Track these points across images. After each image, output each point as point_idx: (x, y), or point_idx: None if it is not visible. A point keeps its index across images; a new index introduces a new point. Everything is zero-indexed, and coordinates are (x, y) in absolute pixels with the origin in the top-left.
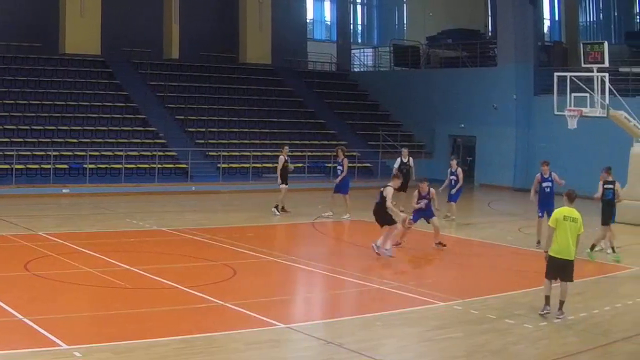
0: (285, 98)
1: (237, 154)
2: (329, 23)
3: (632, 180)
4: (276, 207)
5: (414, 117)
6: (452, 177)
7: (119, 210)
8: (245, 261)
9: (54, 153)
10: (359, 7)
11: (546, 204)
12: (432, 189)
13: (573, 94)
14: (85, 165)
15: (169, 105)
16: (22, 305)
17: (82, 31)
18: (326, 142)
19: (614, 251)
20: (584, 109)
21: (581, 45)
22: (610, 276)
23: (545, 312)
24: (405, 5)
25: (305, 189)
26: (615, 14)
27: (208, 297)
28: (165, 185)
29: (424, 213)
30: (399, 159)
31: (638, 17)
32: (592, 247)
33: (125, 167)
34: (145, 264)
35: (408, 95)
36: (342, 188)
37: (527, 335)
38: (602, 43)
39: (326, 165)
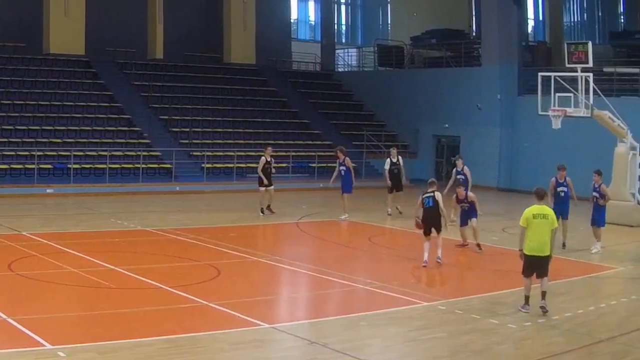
0: (270, 98)
1: (221, 154)
2: (313, 23)
3: (616, 180)
4: (268, 207)
5: (398, 117)
6: (459, 176)
7: (103, 210)
8: (230, 261)
9: (38, 153)
10: (343, 7)
11: (561, 209)
12: (470, 193)
13: (557, 94)
14: (69, 165)
15: (153, 105)
16: (5, 305)
17: (66, 31)
18: (310, 142)
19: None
20: (568, 109)
21: (565, 45)
22: (595, 276)
23: (525, 310)
24: (389, 5)
25: (289, 189)
26: (599, 14)
27: (192, 297)
28: (149, 185)
29: (467, 215)
30: (388, 160)
31: (622, 17)
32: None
33: (109, 167)
34: (130, 264)
35: (392, 95)
36: (345, 187)
37: (511, 335)
38: (586, 43)
39: (310, 165)
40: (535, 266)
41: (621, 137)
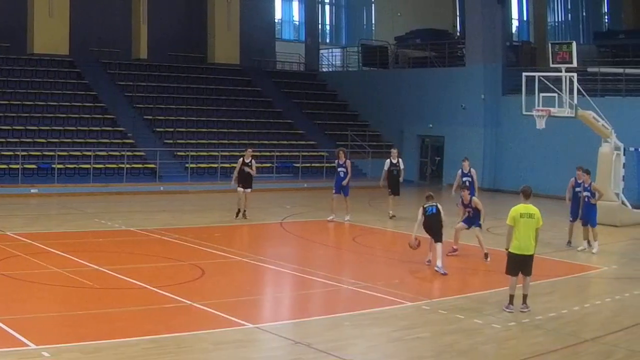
0: (254, 98)
1: (205, 154)
2: (297, 23)
3: (600, 180)
4: (243, 213)
5: (383, 117)
6: (465, 179)
7: (87, 210)
8: (214, 261)
9: (22, 153)
10: (327, 7)
11: (578, 209)
12: (475, 198)
13: (541, 94)
14: (53, 165)
15: (138, 105)
16: None
17: (50, 31)
18: (294, 142)
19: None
20: (552, 109)
21: (549, 45)
22: (579, 276)
23: (509, 310)
24: (373, 5)
25: (273, 189)
26: (584, 14)
27: (176, 297)
28: (133, 185)
29: (470, 221)
30: (388, 161)
31: (606, 17)
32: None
33: (93, 167)
34: (114, 264)
35: (376, 95)
36: (345, 190)
37: (495, 336)
38: (571, 43)
39: (294, 165)
40: (520, 265)
41: (605, 137)
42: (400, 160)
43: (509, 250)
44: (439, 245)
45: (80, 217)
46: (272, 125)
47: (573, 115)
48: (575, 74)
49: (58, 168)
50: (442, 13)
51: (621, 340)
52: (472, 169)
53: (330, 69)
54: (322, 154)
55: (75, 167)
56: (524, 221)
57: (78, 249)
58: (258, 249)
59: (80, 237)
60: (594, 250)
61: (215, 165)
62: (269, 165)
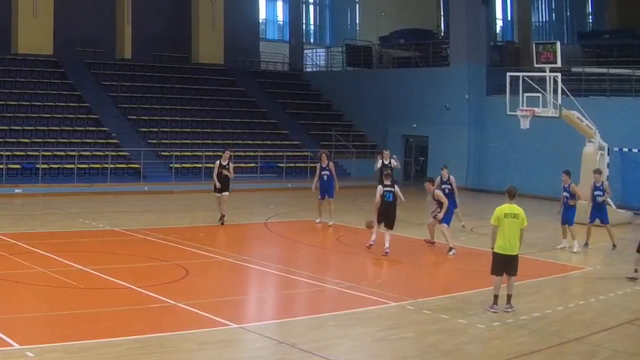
0: (238, 98)
1: (189, 154)
2: (281, 23)
3: (584, 180)
4: (221, 217)
5: (367, 117)
6: (444, 186)
7: (71, 210)
8: (198, 261)
9: (6, 153)
10: (311, 7)
11: (597, 211)
12: (437, 191)
13: (525, 94)
14: (37, 165)
15: (122, 105)
16: None
17: (34, 31)
18: (278, 142)
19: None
20: (536, 109)
21: (534, 45)
22: (563, 276)
23: (493, 310)
24: (357, 5)
25: (257, 189)
26: (568, 14)
27: (161, 297)
28: (117, 185)
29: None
30: (380, 160)
31: (590, 17)
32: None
33: (77, 167)
34: (98, 264)
35: (361, 95)
36: (329, 192)
37: (480, 336)
38: (555, 43)
39: (278, 165)
40: (505, 265)
41: (589, 137)
42: (393, 160)
43: (494, 250)
44: (389, 232)
45: (65, 217)
46: (256, 125)
47: (557, 115)
48: (559, 74)
49: (42, 168)
50: (426, 13)
51: (605, 340)
52: (451, 177)
53: (315, 69)
54: (306, 154)
55: (59, 167)
56: (508, 221)
57: (62, 249)
58: (242, 249)
59: (64, 237)
60: (575, 249)
61: (200, 165)
62: (253, 165)
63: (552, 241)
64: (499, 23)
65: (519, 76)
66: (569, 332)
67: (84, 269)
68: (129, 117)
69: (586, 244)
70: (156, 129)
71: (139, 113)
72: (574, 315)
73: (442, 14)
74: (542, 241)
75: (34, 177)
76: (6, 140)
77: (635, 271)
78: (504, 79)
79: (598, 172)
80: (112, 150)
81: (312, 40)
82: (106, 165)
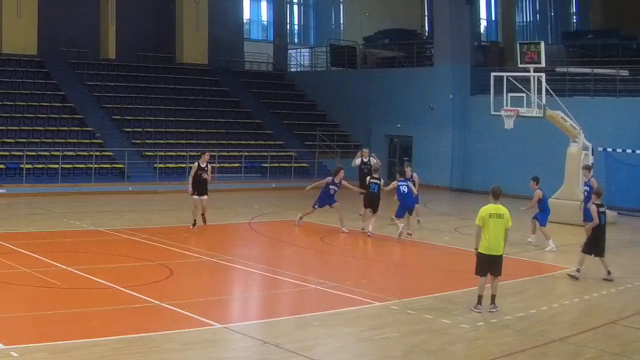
0: (222, 98)
1: (173, 154)
2: (265, 23)
3: (568, 180)
4: (202, 216)
5: (351, 117)
6: (405, 183)
7: (55, 210)
8: (182, 261)
9: None
10: (295, 7)
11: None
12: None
13: (510, 94)
14: (21, 165)
15: (106, 105)
16: None
17: (18, 31)
18: (263, 142)
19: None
20: (520, 109)
21: (518, 45)
22: (547, 276)
23: (477, 310)
24: (342, 5)
25: (241, 189)
26: (552, 14)
27: (145, 297)
28: (101, 185)
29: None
30: (359, 158)
31: (574, 17)
32: None
33: (62, 167)
34: (83, 264)
35: (345, 95)
36: (332, 201)
37: (464, 335)
38: (539, 43)
39: (262, 165)
40: (489, 265)
41: (573, 137)
42: (372, 158)
43: (478, 250)
44: (373, 217)
45: (49, 217)
46: (241, 125)
47: (541, 115)
48: (543, 74)
49: (26, 168)
50: (411, 13)
51: (589, 340)
52: (414, 174)
53: (299, 69)
54: (291, 154)
55: (43, 167)
56: (493, 221)
57: (47, 249)
58: (226, 249)
59: (48, 237)
60: (548, 248)
61: (184, 165)
62: (237, 165)
63: (537, 241)
64: (483, 23)
65: (503, 76)
66: (553, 332)
67: (68, 269)
68: (113, 117)
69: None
70: (140, 129)
71: (123, 113)
72: (558, 315)
73: (426, 14)
74: (526, 241)
75: (18, 177)
76: None
77: (577, 270)
78: (488, 79)
79: (586, 168)
80: (96, 150)
81: (296, 40)
82: (90, 165)
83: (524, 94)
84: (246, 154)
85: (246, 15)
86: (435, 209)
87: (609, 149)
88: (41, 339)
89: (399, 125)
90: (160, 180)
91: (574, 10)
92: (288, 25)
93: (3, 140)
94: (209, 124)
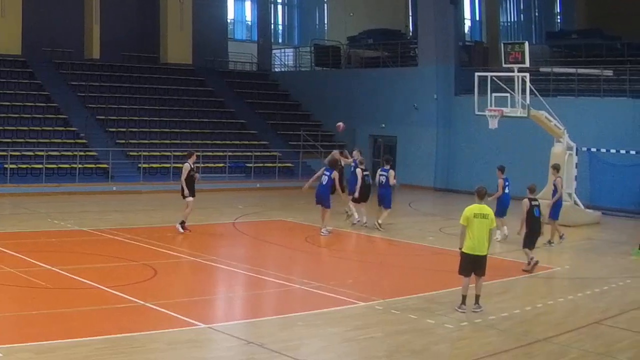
0: (206, 98)
1: (157, 154)
2: (249, 23)
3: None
4: (182, 223)
5: (335, 117)
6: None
7: (40, 210)
8: (166, 261)
9: None
10: (279, 7)
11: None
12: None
13: (494, 94)
14: (5, 165)
15: (90, 105)
16: None
17: (2, 31)
18: (247, 142)
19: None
20: (504, 109)
21: (502, 45)
22: (532, 276)
23: (461, 310)
24: (326, 5)
25: (225, 189)
26: (536, 14)
27: (129, 297)
28: (86, 185)
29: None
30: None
31: (558, 17)
32: None
33: (46, 167)
34: (67, 264)
35: (329, 95)
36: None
37: (448, 335)
38: (523, 43)
39: (247, 165)
40: (473, 265)
41: (558, 137)
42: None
43: (462, 250)
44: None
45: (33, 217)
46: (225, 125)
47: (525, 115)
48: (527, 74)
49: (10, 168)
50: (395, 13)
51: (573, 340)
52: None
53: (283, 69)
54: (275, 154)
55: (27, 167)
56: (478, 221)
57: (31, 249)
58: (211, 249)
59: (33, 237)
60: (497, 238)
61: (168, 166)
62: (221, 165)
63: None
64: (468, 23)
65: (487, 76)
66: (538, 332)
67: (53, 269)
68: (98, 117)
69: (561, 237)
70: (124, 129)
71: (107, 113)
72: (542, 315)
73: (410, 14)
74: (510, 241)
75: (2, 177)
76: None
77: (529, 264)
78: (473, 79)
79: (554, 167)
80: (80, 150)
81: (280, 41)
82: (74, 165)
83: (508, 94)
84: (230, 154)
85: (230, 15)
86: (420, 209)
87: (593, 149)
88: (25, 339)
89: (383, 125)
90: (145, 180)
91: (558, 11)
92: (272, 25)
93: None
94: (193, 124)
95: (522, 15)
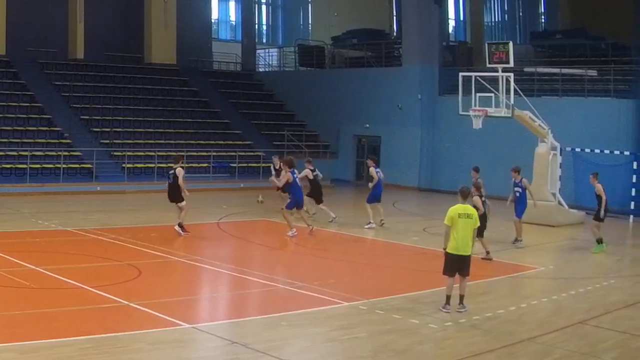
0: (191, 98)
1: (142, 154)
2: (233, 23)
3: (537, 180)
4: (180, 226)
5: (319, 117)
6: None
7: (24, 210)
8: (151, 261)
9: None
10: (263, 7)
11: (517, 206)
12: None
13: (478, 94)
14: None
15: (74, 105)
16: None
17: None
18: (231, 142)
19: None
20: (489, 109)
21: (486, 45)
22: (516, 276)
23: (445, 310)
24: (310, 5)
25: (210, 189)
26: (520, 14)
27: (113, 297)
28: (70, 185)
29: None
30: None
31: (543, 17)
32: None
33: (30, 167)
34: (51, 264)
35: (313, 95)
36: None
37: (432, 335)
38: (507, 43)
39: (231, 165)
40: (458, 265)
41: (542, 137)
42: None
43: (447, 250)
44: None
45: (17, 217)
46: (209, 125)
47: (510, 115)
48: (511, 74)
49: None
50: (379, 13)
51: (557, 340)
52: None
53: (267, 69)
54: (259, 154)
55: (11, 167)
56: (462, 221)
57: (15, 249)
58: (195, 249)
59: (17, 237)
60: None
61: (152, 165)
62: (205, 165)
63: (504, 241)
64: (452, 23)
65: (471, 76)
66: (522, 332)
67: (37, 269)
68: (82, 117)
69: (516, 240)
70: (109, 129)
71: (91, 113)
72: (527, 315)
73: (394, 13)
74: (493, 241)
75: None
76: None
77: (487, 253)
78: (457, 79)
79: (515, 170)
80: (64, 151)
81: (264, 40)
82: (59, 166)
83: (493, 94)
84: (214, 154)
85: (214, 15)
86: (404, 209)
87: (577, 149)
88: (9, 339)
89: (368, 125)
90: (129, 180)
91: (543, 11)
92: (256, 25)
93: None
94: (177, 124)
95: (506, 15)
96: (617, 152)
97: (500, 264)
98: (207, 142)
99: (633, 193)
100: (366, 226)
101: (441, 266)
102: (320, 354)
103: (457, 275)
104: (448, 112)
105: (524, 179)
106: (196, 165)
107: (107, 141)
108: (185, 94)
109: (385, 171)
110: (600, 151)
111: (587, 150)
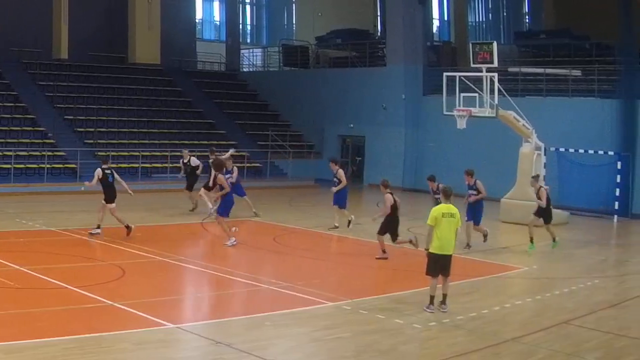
0: (175, 98)
1: (126, 154)
2: (218, 23)
3: (520, 179)
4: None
5: (304, 117)
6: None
7: (8, 210)
8: (134, 261)
9: None
10: (248, 7)
11: (470, 210)
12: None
13: (462, 94)
14: None
15: (58, 105)
16: None
17: None
18: (215, 142)
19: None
20: (473, 109)
21: (470, 45)
22: (500, 276)
23: (429, 310)
24: (294, 5)
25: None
26: (505, 14)
27: (97, 297)
28: (54, 185)
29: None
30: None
31: (527, 17)
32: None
33: (14, 167)
34: (35, 264)
35: (297, 95)
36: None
37: (416, 335)
38: (491, 43)
39: None
40: (440, 265)
41: (526, 137)
42: (192, 158)
43: (429, 250)
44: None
45: (1, 217)
46: (193, 125)
47: (494, 115)
48: (496, 74)
49: None
50: (363, 13)
51: (542, 340)
52: (234, 168)
53: (251, 69)
54: (243, 154)
55: None
56: (446, 221)
57: None
58: (179, 249)
59: (1, 237)
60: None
61: (136, 165)
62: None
63: (489, 241)
64: (436, 23)
65: (455, 76)
66: (506, 332)
67: (21, 268)
68: (66, 117)
69: (468, 245)
70: (93, 129)
71: (75, 113)
72: (511, 315)
73: (378, 13)
74: (477, 241)
75: None
76: None
77: (384, 252)
78: (441, 79)
79: (468, 173)
80: (48, 150)
81: (248, 40)
82: (43, 165)
83: (477, 94)
84: (199, 154)
85: (199, 15)
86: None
87: (562, 149)
88: None
89: (352, 125)
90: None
91: (527, 11)
92: (240, 25)
93: None
94: (161, 124)
95: (490, 15)
96: (601, 152)
97: (484, 264)
98: (191, 142)
99: (617, 193)
100: (349, 226)
101: (424, 266)
102: (304, 354)
103: (440, 276)
104: (432, 112)
105: (477, 181)
106: (180, 165)
107: (91, 141)
108: (169, 94)
109: (369, 171)
110: (585, 151)
111: (572, 150)
